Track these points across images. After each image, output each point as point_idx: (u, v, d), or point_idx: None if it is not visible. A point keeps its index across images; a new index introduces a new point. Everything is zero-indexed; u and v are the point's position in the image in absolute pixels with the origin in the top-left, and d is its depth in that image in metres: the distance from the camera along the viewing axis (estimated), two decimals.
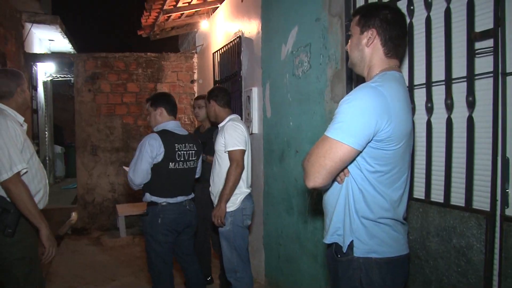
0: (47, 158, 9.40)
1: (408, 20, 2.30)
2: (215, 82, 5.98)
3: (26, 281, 2.68)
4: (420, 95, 2.29)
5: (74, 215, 7.32)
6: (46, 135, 9.56)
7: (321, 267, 3.16)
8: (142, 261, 5.55)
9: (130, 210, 6.91)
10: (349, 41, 1.93)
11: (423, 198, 2.26)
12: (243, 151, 3.37)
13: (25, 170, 2.57)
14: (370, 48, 1.83)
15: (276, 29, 3.83)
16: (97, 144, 7.21)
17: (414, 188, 2.32)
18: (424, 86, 2.25)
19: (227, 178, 3.31)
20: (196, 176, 3.56)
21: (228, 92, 3.76)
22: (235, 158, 3.31)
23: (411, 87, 2.32)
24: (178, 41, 9.38)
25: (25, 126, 2.84)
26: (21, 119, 2.79)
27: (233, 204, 3.37)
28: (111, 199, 7.33)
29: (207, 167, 4.00)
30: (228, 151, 3.34)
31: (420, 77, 2.29)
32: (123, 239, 6.68)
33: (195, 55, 7.49)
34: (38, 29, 7.44)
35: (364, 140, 1.65)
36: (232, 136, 3.34)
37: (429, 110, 2.21)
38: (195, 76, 7.52)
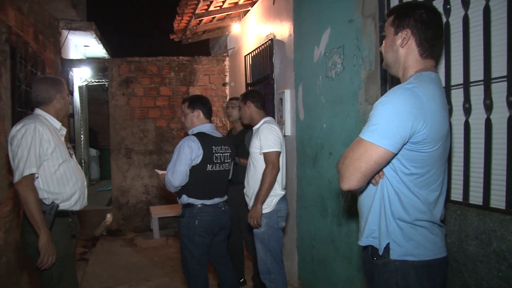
0: (82, 161, 9.62)
1: (444, 20, 2.27)
2: (247, 84, 6.01)
3: (58, 281, 2.76)
4: (457, 95, 2.25)
5: (109, 216, 7.46)
6: (82, 139, 9.79)
7: (356, 270, 3.13)
8: (175, 262, 5.62)
9: (163, 212, 7.00)
10: (383, 42, 1.91)
11: (461, 200, 2.21)
12: (279, 153, 3.39)
13: (37, 175, 2.66)
14: (404, 49, 1.81)
15: (309, 31, 3.83)
16: (131, 147, 7.35)
17: (451, 190, 2.28)
18: (462, 86, 2.21)
19: (263, 179, 3.33)
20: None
21: (263, 95, 3.79)
22: (271, 160, 3.33)
23: (448, 88, 2.28)
24: (209, 44, 9.47)
25: (64, 131, 2.92)
26: (58, 124, 2.88)
27: (268, 206, 3.39)
28: (145, 201, 7.45)
29: (240, 170, 4.02)
30: (263, 153, 3.36)
31: (457, 77, 2.24)
32: (157, 241, 6.78)
33: (227, 58, 7.55)
34: (74, 35, 7.62)
35: (399, 142, 1.64)
36: (268, 138, 3.36)
37: (467, 111, 2.17)
38: (227, 79, 7.57)
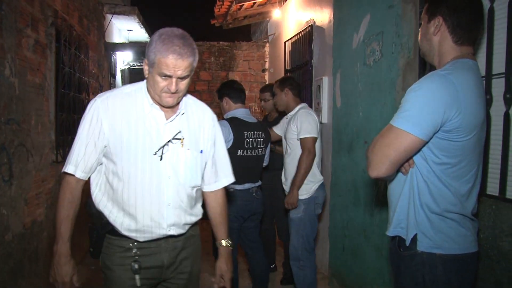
0: None
1: (488, 5, 2.18)
2: (286, 71, 5.98)
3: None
4: (498, 85, 2.15)
5: None
6: None
7: (386, 261, 3.09)
8: (208, 245, 5.69)
9: None
10: (420, 29, 1.87)
11: (496, 194, 2.13)
12: (315, 139, 3.38)
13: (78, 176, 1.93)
14: (437, 37, 1.77)
15: (348, 18, 3.75)
16: None
17: (487, 183, 2.20)
18: (504, 75, 2.11)
19: (299, 165, 3.34)
20: (264, 164, 3.59)
21: (298, 82, 3.78)
22: (307, 145, 3.33)
23: (488, 77, 2.19)
24: (251, 30, 9.45)
25: None
26: None
27: (307, 192, 3.40)
28: None
29: (276, 156, 4.02)
30: (300, 138, 3.36)
31: (499, 66, 2.15)
32: None
33: (267, 44, 7.52)
34: (117, 19, 7.75)
35: (430, 130, 1.60)
36: (305, 123, 3.36)
37: (508, 101, 2.08)
38: (267, 65, 7.55)
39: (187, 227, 2.06)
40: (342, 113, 3.88)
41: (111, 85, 7.68)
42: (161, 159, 1.91)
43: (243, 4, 6.22)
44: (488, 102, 2.13)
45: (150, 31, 9.39)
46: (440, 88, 1.59)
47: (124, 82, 9.91)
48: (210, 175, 2.16)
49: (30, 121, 3.65)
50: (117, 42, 8.06)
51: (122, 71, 9.63)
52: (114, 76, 8.15)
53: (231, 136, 3.25)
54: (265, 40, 7.50)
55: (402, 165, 1.72)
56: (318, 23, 4.62)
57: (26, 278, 3.50)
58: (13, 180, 3.29)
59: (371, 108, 3.31)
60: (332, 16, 4.15)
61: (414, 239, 1.71)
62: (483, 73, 2.15)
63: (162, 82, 1.81)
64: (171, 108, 1.95)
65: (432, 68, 2.34)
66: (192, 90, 7.45)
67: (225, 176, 2.22)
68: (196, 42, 6.39)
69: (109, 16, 7.29)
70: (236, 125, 3.30)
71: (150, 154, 1.90)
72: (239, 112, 3.42)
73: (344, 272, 3.84)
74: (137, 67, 9.90)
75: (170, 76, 1.78)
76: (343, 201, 3.84)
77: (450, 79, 1.60)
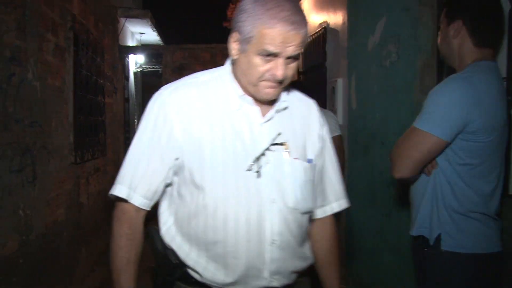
0: None
1: (509, 7, 2.20)
2: (298, 73, 6.01)
3: None
4: None
5: None
6: (136, 123, 10.11)
7: (404, 262, 3.11)
8: None
9: None
10: (439, 33, 1.91)
11: None
12: (341, 136, 3.48)
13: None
14: (457, 39, 1.80)
15: (363, 20, 3.79)
16: None
17: (509, 184, 2.22)
18: None
19: None
20: None
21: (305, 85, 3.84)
22: (337, 144, 3.40)
23: (509, 78, 2.21)
24: None
25: None
26: None
27: None
28: None
29: None
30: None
31: None
32: None
33: None
34: (130, 23, 7.85)
35: (453, 131, 1.64)
36: (330, 122, 3.42)
37: None
38: None
39: (294, 276, 1.45)
40: (358, 114, 3.91)
41: (124, 88, 7.76)
42: (258, 175, 1.32)
43: None
44: (510, 104, 2.16)
45: (162, 34, 9.49)
46: (462, 90, 1.63)
47: (136, 85, 10.01)
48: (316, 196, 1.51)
49: (51, 123, 3.72)
50: (130, 45, 8.15)
51: (135, 73, 9.73)
52: (127, 78, 8.24)
53: None
54: None
55: (425, 166, 1.76)
56: (331, 25, 4.65)
57: (48, 277, 3.56)
58: (36, 181, 3.36)
59: (388, 109, 3.34)
60: (346, 19, 4.19)
61: (438, 239, 1.75)
62: (504, 75, 2.18)
63: (262, 65, 1.28)
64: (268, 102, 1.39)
65: (450, 70, 2.38)
66: None
67: (337, 199, 1.57)
68: (209, 45, 6.46)
69: (122, 19, 7.39)
70: None
71: (243, 168, 1.32)
72: None
73: (362, 273, 3.87)
74: (149, 69, 10.01)
75: (275, 56, 1.26)
76: (359, 202, 3.87)
77: (471, 81, 1.64)
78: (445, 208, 1.74)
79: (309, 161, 1.44)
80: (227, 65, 1.45)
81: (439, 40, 1.92)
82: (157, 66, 9.72)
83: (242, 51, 1.31)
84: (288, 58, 1.28)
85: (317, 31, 5.11)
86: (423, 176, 1.82)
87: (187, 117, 1.35)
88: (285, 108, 1.44)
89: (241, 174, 1.32)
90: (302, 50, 1.32)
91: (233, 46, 1.34)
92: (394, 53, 3.23)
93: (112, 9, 6.68)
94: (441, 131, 1.64)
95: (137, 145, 1.39)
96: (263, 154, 1.34)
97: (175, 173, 1.39)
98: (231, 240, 1.32)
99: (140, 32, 8.94)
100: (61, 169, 3.99)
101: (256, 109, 1.38)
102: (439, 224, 1.75)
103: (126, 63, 8.06)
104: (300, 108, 1.51)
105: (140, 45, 9.22)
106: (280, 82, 1.32)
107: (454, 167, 1.72)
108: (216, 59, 7.50)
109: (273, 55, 1.27)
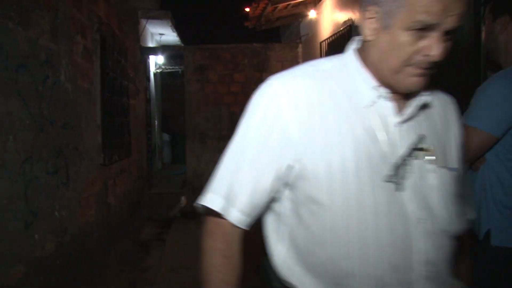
0: (156, 146, 10.00)
1: None
2: None
3: None
4: None
5: (183, 199, 7.73)
6: (156, 124, 10.17)
7: None
8: (249, 246, 5.75)
9: None
10: (483, 28, 1.89)
11: None
12: None
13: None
14: (504, 35, 1.78)
15: None
16: (205, 132, 7.55)
17: None
18: None
19: None
20: None
21: None
22: None
23: None
24: (280, 31, 9.49)
25: None
26: None
27: None
28: None
29: None
30: None
31: None
32: None
33: (300, 45, 7.54)
34: (151, 24, 7.90)
35: (503, 127, 1.63)
36: None
37: None
38: None
39: None
40: None
41: (146, 89, 7.81)
42: (400, 187, 1.02)
43: (278, 6, 6.26)
44: None
45: (180, 34, 9.54)
46: (509, 86, 1.62)
47: (156, 86, 10.08)
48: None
49: (81, 125, 3.76)
50: (150, 46, 8.20)
51: (155, 74, 9.80)
52: (148, 79, 8.29)
53: None
54: (297, 41, 7.53)
55: (473, 162, 1.74)
56: (357, 23, 4.62)
57: (82, 277, 3.60)
58: (69, 183, 3.39)
59: None
60: None
61: (488, 234, 1.74)
62: None
63: (413, 44, 0.96)
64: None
65: (493, 65, 2.35)
66: (226, 92, 7.53)
67: (471, 210, 1.28)
68: (229, 45, 6.43)
69: (143, 21, 7.43)
70: None
71: (378, 179, 1.02)
72: None
73: None
74: (168, 70, 10.08)
75: (431, 29, 0.94)
76: None
77: None
78: (494, 204, 1.73)
79: (454, 170, 1.13)
80: (351, 52, 1.14)
81: (483, 35, 1.90)
82: (176, 67, 9.78)
83: (384, 27, 0.99)
84: (447, 34, 0.96)
85: (341, 29, 5.08)
86: (470, 172, 1.80)
87: (306, 114, 1.04)
88: (426, 105, 1.10)
89: (379, 186, 1.01)
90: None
91: (368, 25, 1.03)
92: None
93: (133, 11, 6.73)
94: (491, 127, 1.63)
95: (238, 146, 1.11)
96: (403, 163, 1.03)
97: (287, 185, 1.09)
98: (372, 272, 1.02)
99: (160, 33, 8.99)
100: (92, 170, 4.03)
101: (391, 104, 1.07)
102: (488, 219, 1.74)
103: (147, 64, 8.12)
104: (439, 102, 1.17)
105: (160, 46, 9.28)
106: (431, 67, 1.00)
107: (504, 163, 1.70)
108: (236, 59, 7.51)
109: (428, 29, 0.95)
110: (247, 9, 11.43)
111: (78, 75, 3.72)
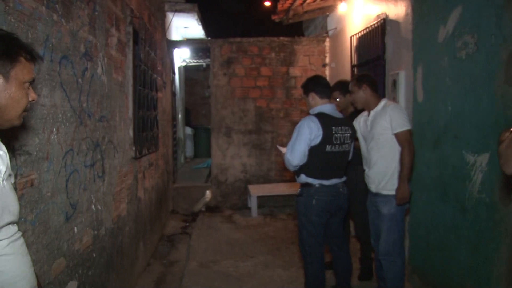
0: (179, 139, 10.01)
1: None
2: (352, 66, 5.90)
3: None
4: None
5: (208, 193, 7.73)
6: (179, 117, 10.18)
7: (482, 259, 3.01)
8: (276, 240, 5.72)
9: (262, 191, 7.13)
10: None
11: None
12: (411, 131, 3.39)
13: None
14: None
15: (432, 10, 3.66)
16: (231, 126, 7.51)
17: None
18: None
19: (403, 160, 3.34)
20: (349, 159, 3.58)
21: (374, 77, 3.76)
22: (407, 138, 3.34)
23: None
24: (303, 25, 9.39)
25: None
26: None
27: None
28: (243, 179, 7.61)
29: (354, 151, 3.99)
30: (396, 133, 3.34)
31: None
32: (255, 219, 6.92)
33: (327, 39, 7.45)
34: (176, 17, 7.87)
35: None
36: (397, 117, 3.35)
37: None
38: (327, 60, 7.49)
39: None
40: (425, 107, 3.79)
41: (172, 82, 7.80)
42: None
43: None
44: None
45: (205, 27, 9.50)
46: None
47: (180, 79, 10.07)
48: None
49: (115, 118, 3.75)
50: (175, 39, 8.18)
51: (179, 68, 9.78)
52: (174, 72, 8.28)
53: (320, 132, 3.23)
54: (325, 35, 7.43)
55: None
56: (391, 17, 4.52)
57: (115, 270, 3.60)
58: (105, 176, 3.39)
59: (463, 102, 3.22)
60: (410, 9, 4.06)
61: None
62: None
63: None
64: None
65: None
66: (253, 86, 7.47)
67: None
68: (257, 38, 6.39)
69: (170, 14, 7.41)
70: (324, 120, 3.28)
71: None
72: (326, 107, 3.40)
73: (427, 269, 3.77)
74: (192, 64, 10.05)
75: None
76: (426, 197, 3.76)
77: None
78: None
79: None
80: None
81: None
82: (201, 60, 9.74)
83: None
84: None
85: (374, 23, 4.99)
86: None
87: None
88: None
89: None
90: None
91: None
92: (471, 43, 3.10)
93: (161, 3, 6.71)
94: None
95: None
96: None
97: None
98: None
99: (185, 27, 8.96)
100: (124, 163, 4.02)
101: None
102: None
103: (173, 57, 8.10)
104: None
105: (185, 39, 9.26)
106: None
107: None
108: (263, 52, 7.45)
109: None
110: (268, 3, 11.27)
111: (113, 67, 3.71)
